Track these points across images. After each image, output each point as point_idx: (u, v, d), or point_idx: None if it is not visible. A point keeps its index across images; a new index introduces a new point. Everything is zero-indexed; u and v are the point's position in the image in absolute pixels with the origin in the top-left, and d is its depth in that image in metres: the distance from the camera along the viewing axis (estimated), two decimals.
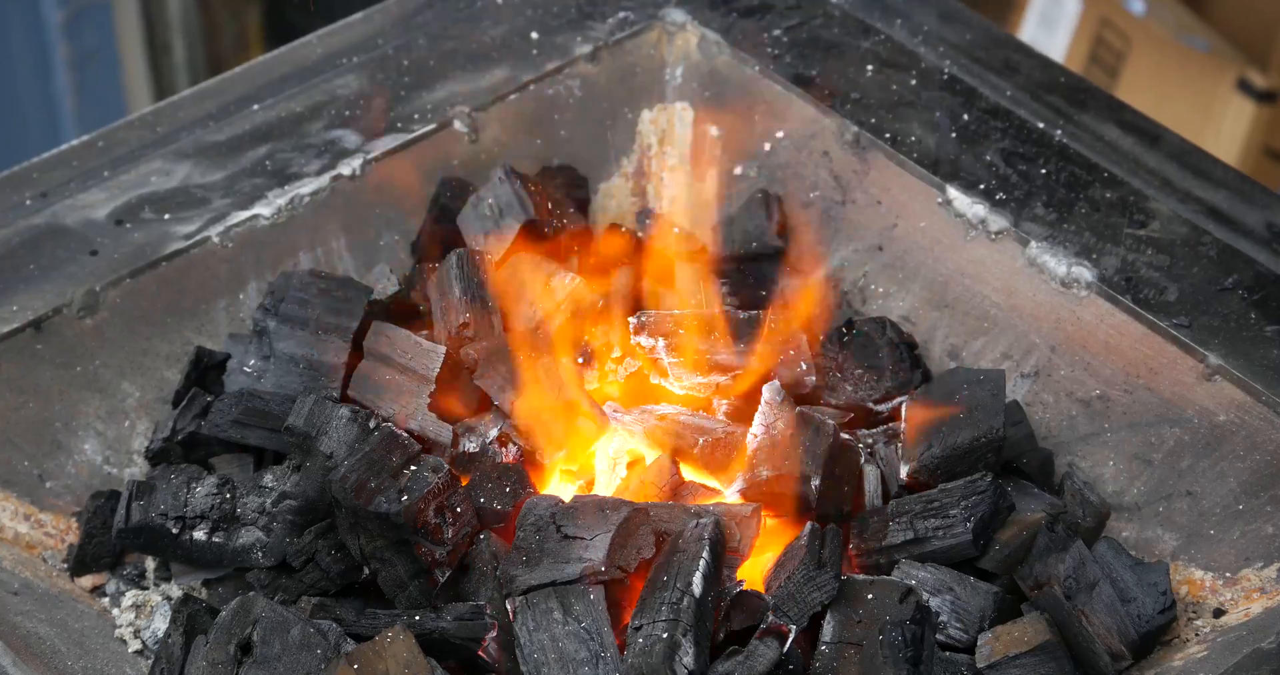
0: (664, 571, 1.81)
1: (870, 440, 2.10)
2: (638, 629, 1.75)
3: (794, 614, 1.83)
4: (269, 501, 1.98)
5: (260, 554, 1.96)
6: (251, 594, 1.84)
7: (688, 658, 1.72)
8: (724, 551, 1.85)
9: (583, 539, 1.83)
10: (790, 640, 1.77)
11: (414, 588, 1.87)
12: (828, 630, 1.82)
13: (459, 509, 1.89)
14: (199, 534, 1.98)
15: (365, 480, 1.84)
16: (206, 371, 2.16)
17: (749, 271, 2.30)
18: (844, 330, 2.22)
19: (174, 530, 1.98)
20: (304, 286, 2.13)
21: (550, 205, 2.24)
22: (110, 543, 2.04)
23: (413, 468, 1.88)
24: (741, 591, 1.83)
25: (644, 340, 2.12)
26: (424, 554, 1.85)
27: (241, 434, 2.05)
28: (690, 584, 1.77)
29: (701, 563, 1.79)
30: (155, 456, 2.09)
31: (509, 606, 1.81)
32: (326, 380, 2.07)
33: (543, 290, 2.14)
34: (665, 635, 1.73)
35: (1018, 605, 1.94)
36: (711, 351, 2.13)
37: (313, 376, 2.08)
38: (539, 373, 2.05)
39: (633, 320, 2.14)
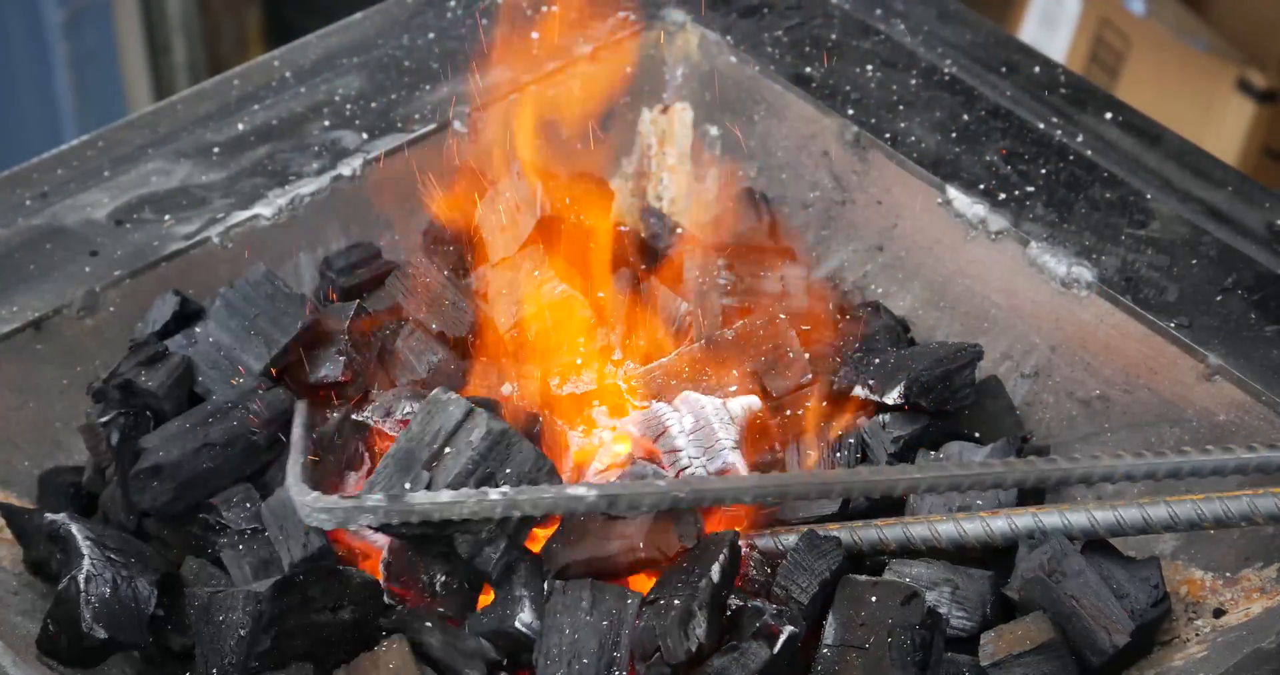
0: (684, 560, 1.84)
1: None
2: (652, 602, 1.79)
3: (805, 583, 1.85)
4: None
5: None
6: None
7: (700, 629, 1.74)
8: (738, 565, 1.86)
9: (625, 518, 1.85)
10: (782, 641, 1.78)
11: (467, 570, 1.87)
12: (829, 633, 1.81)
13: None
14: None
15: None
16: (185, 320, 2.10)
17: (741, 270, 2.29)
18: (839, 317, 2.22)
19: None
20: (255, 284, 2.07)
21: (568, 201, 2.22)
22: None
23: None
24: (748, 604, 1.84)
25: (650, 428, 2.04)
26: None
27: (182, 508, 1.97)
28: (710, 570, 1.79)
29: (722, 557, 1.81)
30: (96, 394, 2.02)
31: (545, 586, 1.84)
32: (243, 381, 2.02)
33: (531, 295, 2.13)
34: (679, 602, 1.76)
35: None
36: (721, 385, 2.11)
37: (232, 368, 2.03)
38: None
39: (624, 423, 2.06)
